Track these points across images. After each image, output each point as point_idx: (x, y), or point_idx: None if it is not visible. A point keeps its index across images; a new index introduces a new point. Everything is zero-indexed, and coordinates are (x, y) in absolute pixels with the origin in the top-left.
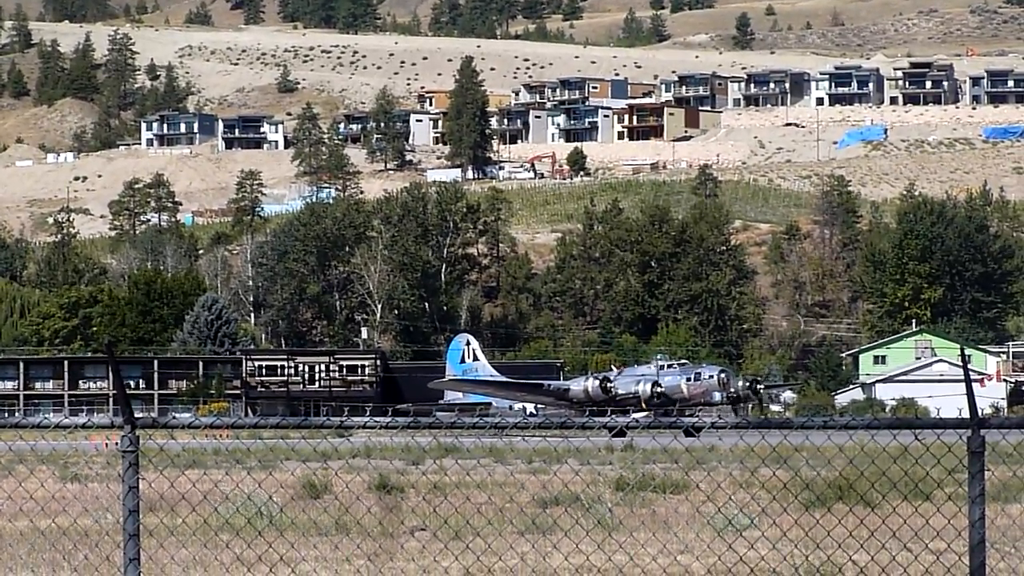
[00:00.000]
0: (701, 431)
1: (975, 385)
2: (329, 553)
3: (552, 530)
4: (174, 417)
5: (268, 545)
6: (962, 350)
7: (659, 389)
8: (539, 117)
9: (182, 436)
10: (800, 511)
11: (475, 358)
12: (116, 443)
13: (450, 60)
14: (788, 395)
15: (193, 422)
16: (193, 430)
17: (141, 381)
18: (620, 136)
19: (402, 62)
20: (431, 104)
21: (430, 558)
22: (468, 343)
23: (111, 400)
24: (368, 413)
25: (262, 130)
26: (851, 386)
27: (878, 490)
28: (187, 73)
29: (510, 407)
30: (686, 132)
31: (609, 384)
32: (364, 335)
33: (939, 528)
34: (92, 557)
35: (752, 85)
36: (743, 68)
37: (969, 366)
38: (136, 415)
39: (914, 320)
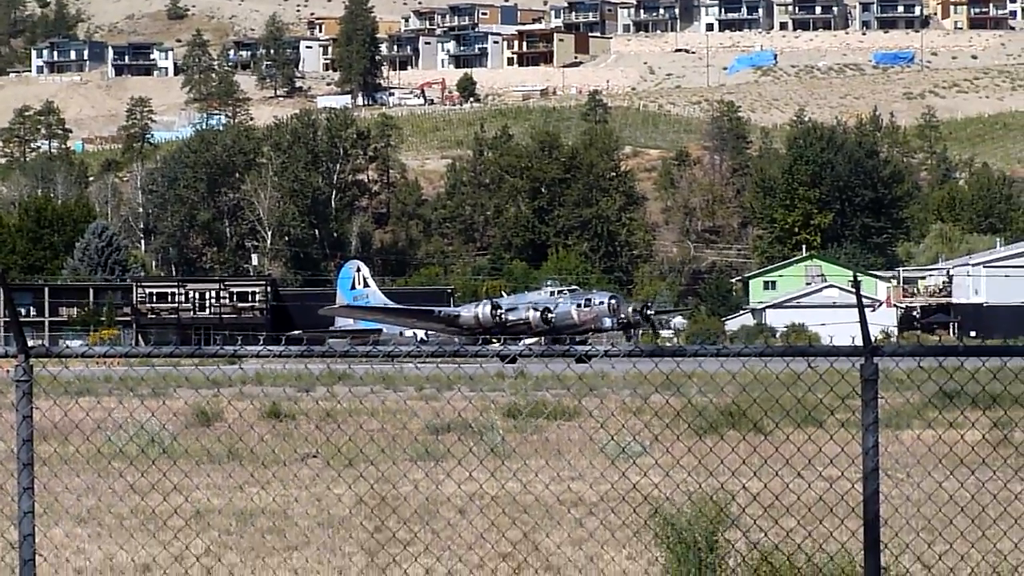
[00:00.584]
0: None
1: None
2: (222, 480)
3: (445, 457)
4: (67, 346)
5: (161, 473)
6: (855, 276)
7: (549, 315)
8: (429, 43)
9: (74, 364)
10: (693, 438)
11: (365, 284)
12: (7, 372)
13: None
14: (679, 321)
15: (87, 351)
16: (86, 359)
17: (32, 308)
18: (510, 62)
19: None
20: (321, 31)
21: (323, 485)
22: (358, 269)
23: (2, 328)
24: (260, 341)
25: (152, 57)
26: (741, 312)
27: (771, 417)
28: (77, 0)
29: (400, 333)
30: (576, 58)
31: (499, 311)
32: (255, 262)
33: (832, 455)
34: None
35: (642, 11)
36: None
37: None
38: (29, 344)
39: (804, 246)
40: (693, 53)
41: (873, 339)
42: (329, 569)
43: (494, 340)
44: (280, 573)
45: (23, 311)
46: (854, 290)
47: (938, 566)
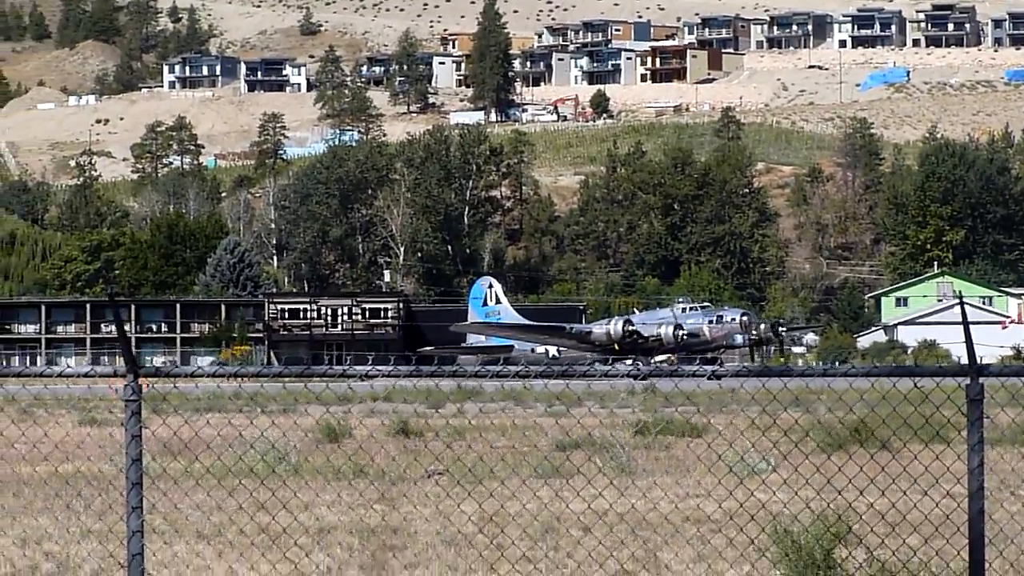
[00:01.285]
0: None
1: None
2: (348, 498)
3: (571, 474)
4: (176, 366)
5: (291, 491)
6: (960, 297)
7: (681, 332)
8: (562, 59)
9: (204, 383)
10: (820, 456)
11: (497, 301)
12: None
13: (473, 2)
14: (810, 337)
15: (195, 371)
16: (195, 378)
17: (164, 325)
18: (643, 78)
19: (425, 4)
20: (454, 46)
21: (447, 501)
22: (491, 286)
23: (133, 343)
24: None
25: (284, 73)
26: (873, 328)
27: (899, 436)
28: (209, 15)
29: (532, 350)
30: (709, 74)
31: (631, 327)
32: (387, 278)
33: (960, 474)
34: (106, 501)
35: (775, 27)
36: (766, 10)
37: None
38: (145, 362)
39: (936, 262)
40: (826, 70)
41: (998, 358)
42: None
43: (627, 358)
44: None
45: (154, 327)
46: (960, 310)
47: None
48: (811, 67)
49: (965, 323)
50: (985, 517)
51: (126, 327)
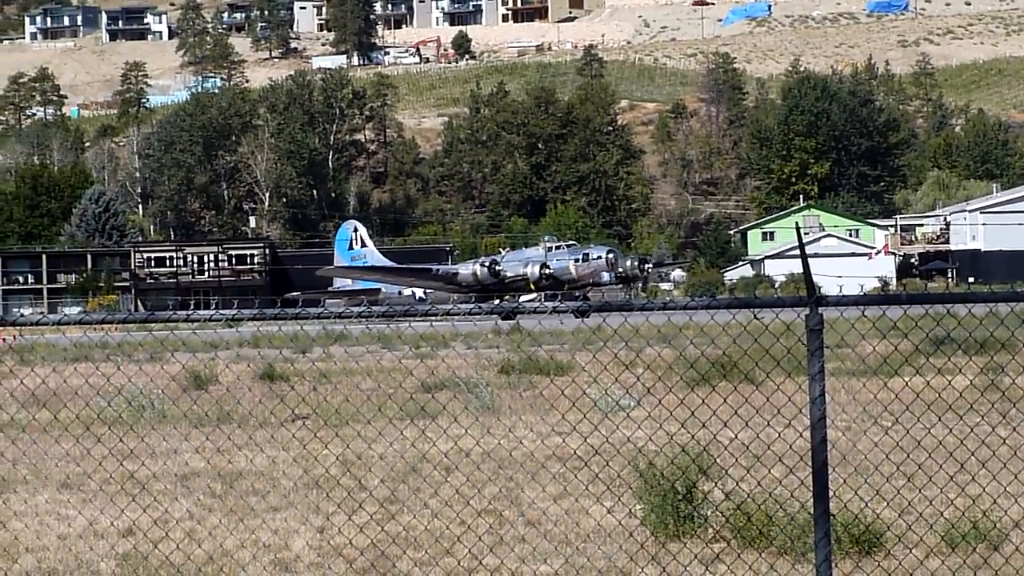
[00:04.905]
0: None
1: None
2: (211, 444)
3: (437, 414)
4: (21, 315)
5: (149, 435)
6: (797, 227)
7: (547, 271)
8: (423, 1)
9: (71, 331)
10: (685, 391)
11: (363, 244)
12: (4, 340)
13: None
14: (678, 273)
15: (41, 319)
16: (64, 326)
17: (30, 276)
18: (504, 19)
19: None
20: None
21: (313, 444)
22: (356, 230)
23: None
24: (256, 303)
25: (146, 21)
26: (740, 263)
27: (761, 368)
28: None
29: (399, 292)
30: (570, 13)
31: (497, 267)
32: (252, 224)
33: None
34: None
35: None
36: None
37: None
38: (12, 315)
39: (801, 196)
40: (687, 5)
41: (872, 286)
42: (309, 529)
43: (493, 297)
44: (260, 534)
45: (21, 279)
46: (797, 238)
47: (910, 510)
48: (671, 3)
49: (803, 252)
50: (828, 446)
51: None
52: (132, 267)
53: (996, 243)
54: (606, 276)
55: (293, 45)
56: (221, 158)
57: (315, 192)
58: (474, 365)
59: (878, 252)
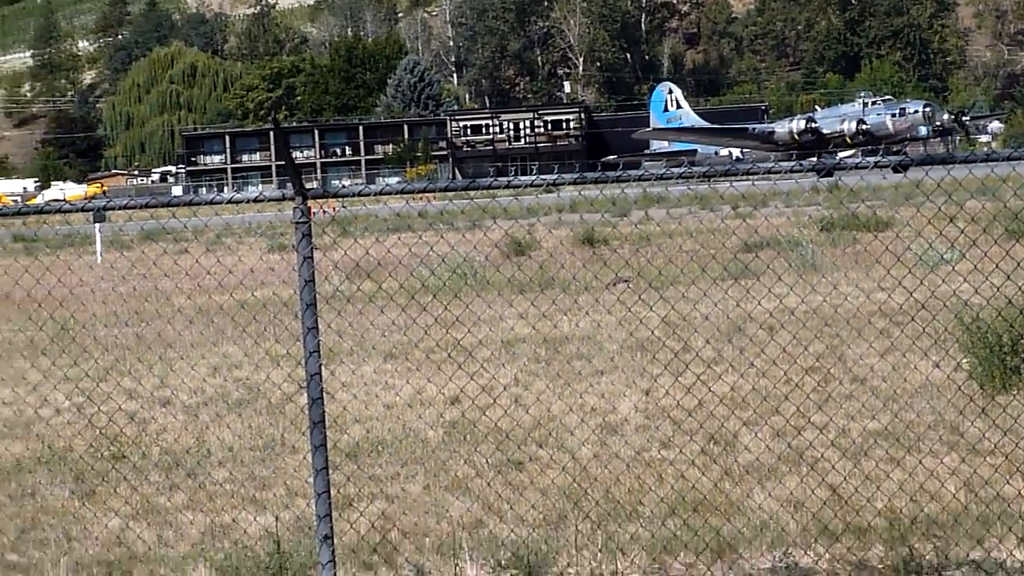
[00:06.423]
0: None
1: None
2: (533, 309)
3: (759, 273)
4: (343, 186)
5: (473, 302)
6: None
7: (864, 127)
8: None
9: (393, 202)
10: (1007, 241)
11: (678, 106)
12: (326, 211)
13: None
14: (995, 125)
15: (362, 190)
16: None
17: (347, 148)
18: None
19: None
20: None
21: (636, 307)
22: (671, 91)
23: (318, 168)
24: (576, 168)
25: None
26: None
27: None
28: None
29: (715, 152)
30: None
31: (814, 124)
32: (567, 89)
33: None
34: (295, 325)
35: None
36: None
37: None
38: (339, 183)
39: None
40: None
41: None
42: (635, 391)
43: (810, 155)
44: (587, 398)
45: (338, 151)
46: None
47: None
48: None
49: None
50: None
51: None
52: (448, 136)
53: None
54: (923, 130)
55: None
56: (534, 24)
57: (628, 55)
58: (795, 223)
59: None
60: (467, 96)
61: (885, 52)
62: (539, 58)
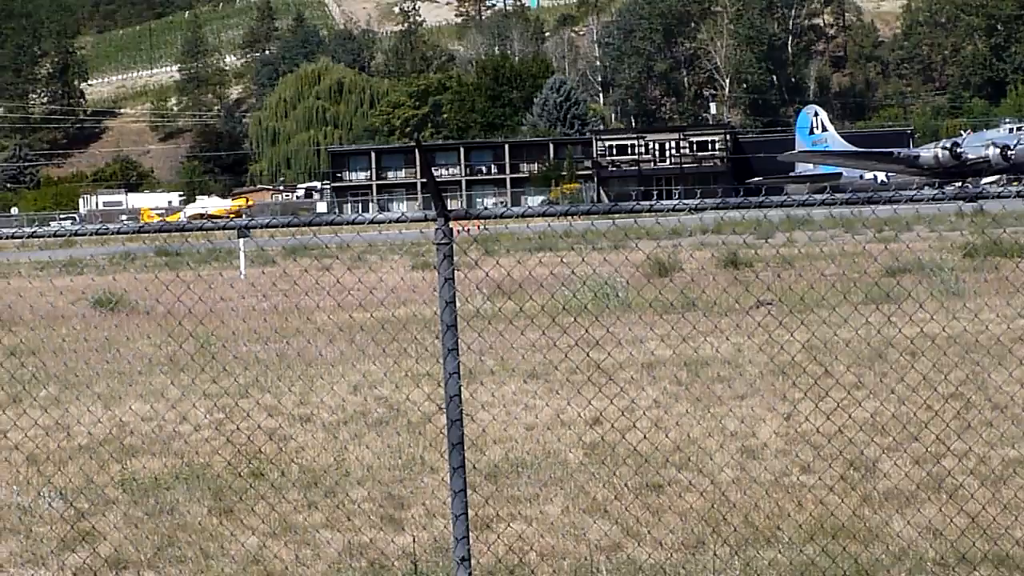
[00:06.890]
0: None
1: None
2: (674, 331)
3: (901, 298)
4: (485, 208)
5: (614, 324)
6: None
7: (1009, 153)
8: None
9: (535, 222)
10: None
11: (824, 129)
12: (469, 230)
13: None
14: None
15: (505, 212)
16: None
17: (493, 167)
18: None
19: None
20: None
21: (778, 331)
22: (816, 114)
23: (463, 186)
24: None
25: None
26: None
27: None
28: None
29: (860, 176)
30: None
31: (959, 150)
32: (713, 110)
33: None
34: (436, 344)
35: None
36: None
37: None
38: (476, 204)
39: None
40: None
41: None
42: (775, 416)
43: (955, 181)
44: (727, 421)
45: (483, 169)
46: None
47: None
48: None
49: None
50: None
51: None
52: (594, 155)
53: None
54: None
55: None
56: (680, 45)
57: (775, 77)
58: (937, 248)
59: None
60: (613, 116)
61: None
62: (685, 79)
